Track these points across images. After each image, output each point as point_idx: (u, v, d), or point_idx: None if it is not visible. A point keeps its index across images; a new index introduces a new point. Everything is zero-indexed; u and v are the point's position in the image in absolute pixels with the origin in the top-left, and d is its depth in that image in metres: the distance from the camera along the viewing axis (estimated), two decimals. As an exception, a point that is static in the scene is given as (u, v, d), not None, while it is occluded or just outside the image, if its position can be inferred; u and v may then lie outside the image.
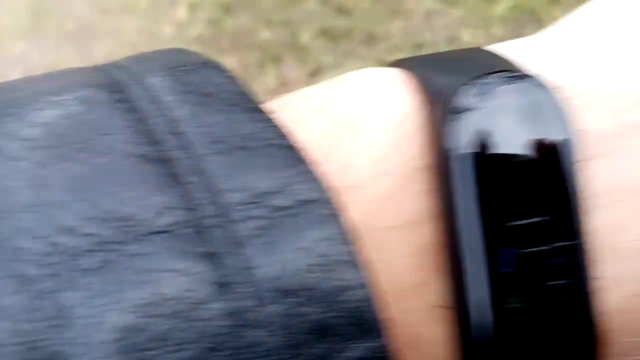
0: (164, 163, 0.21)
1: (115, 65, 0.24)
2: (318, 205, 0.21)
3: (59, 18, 2.01)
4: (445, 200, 0.22)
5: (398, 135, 0.23)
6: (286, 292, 0.20)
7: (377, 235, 0.22)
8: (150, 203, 0.20)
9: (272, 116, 0.23)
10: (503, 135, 0.22)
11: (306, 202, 0.21)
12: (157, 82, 0.22)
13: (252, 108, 0.22)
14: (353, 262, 0.20)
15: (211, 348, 0.19)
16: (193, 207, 0.20)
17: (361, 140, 0.23)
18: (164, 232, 0.20)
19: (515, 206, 0.22)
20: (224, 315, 0.20)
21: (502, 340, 0.22)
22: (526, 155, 0.22)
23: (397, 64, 0.25)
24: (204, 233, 0.20)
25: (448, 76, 0.23)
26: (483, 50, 0.25)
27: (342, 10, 1.95)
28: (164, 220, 0.20)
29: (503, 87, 0.22)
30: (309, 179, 0.21)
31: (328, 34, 1.93)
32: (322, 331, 0.20)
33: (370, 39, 1.90)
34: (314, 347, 0.20)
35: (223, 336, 0.19)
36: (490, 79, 0.23)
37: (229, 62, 1.81)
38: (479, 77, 0.23)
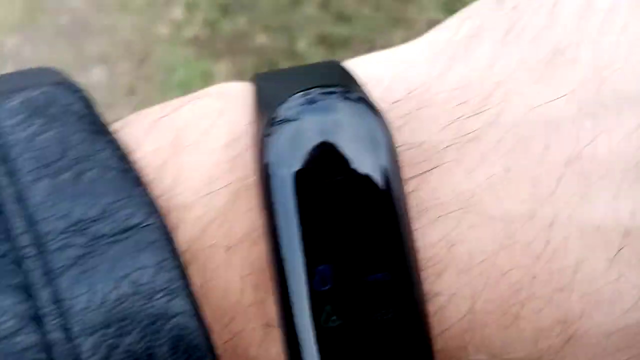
0: None
1: None
2: (143, 230, 0.20)
3: (54, 13, 2.01)
4: (268, 217, 0.21)
5: (230, 152, 0.23)
6: (96, 324, 0.20)
7: (208, 256, 0.22)
8: None
9: (112, 137, 0.22)
10: (319, 152, 0.21)
11: (130, 228, 0.20)
12: (1, 106, 0.22)
13: (93, 131, 0.22)
14: (176, 288, 0.20)
15: None
16: (11, 237, 0.20)
17: (193, 158, 0.23)
18: None
19: (334, 222, 0.21)
20: (34, 348, 0.19)
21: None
22: (340, 174, 0.21)
23: (253, 77, 0.25)
24: (18, 265, 0.20)
25: (280, 90, 0.23)
26: (334, 63, 0.24)
27: (342, 17, 1.93)
28: None
29: (320, 102, 0.22)
30: (137, 203, 0.21)
31: (326, 42, 1.91)
32: None
33: (370, 48, 1.88)
34: None
35: None
36: (313, 93, 0.22)
37: (224, 66, 1.80)
38: (301, 91, 0.22)
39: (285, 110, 0.22)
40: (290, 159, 0.21)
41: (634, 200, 0.22)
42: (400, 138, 0.22)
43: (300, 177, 0.21)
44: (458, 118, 0.22)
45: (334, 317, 0.21)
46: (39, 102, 0.22)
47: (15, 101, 0.22)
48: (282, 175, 0.21)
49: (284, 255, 0.21)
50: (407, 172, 0.22)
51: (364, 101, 0.22)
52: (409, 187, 0.22)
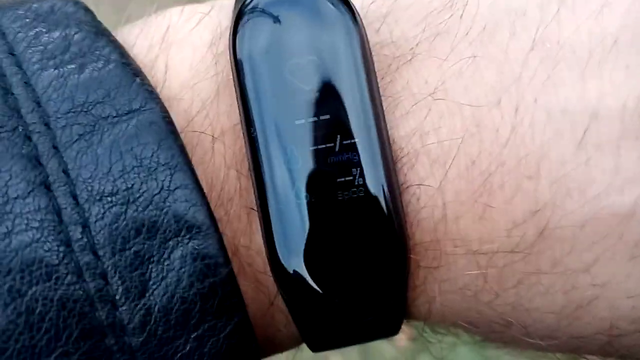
0: None
1: None
2: (144, 113, 0.22)
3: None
4: (241, 105, 0.23)
5: (214, 50, 0.24)
6: (102, 192, 0.21)
7: (196, 144, 0.23)
8: None
9: (112, 37, 0.24)
10: (286, 40, 0.23)
11: (132, 111, 0.22)
12: (4, 14, 0.24)
13: (93, 31, 0.24)
14: (177, 163, 0.21)
15: (27, 241, 0.20)
16: (18, 115, 0.21)
17: (180, 54, 0.24)
18: None
19: (304, 106, 0.22)
20: (41, 210, 0.20)
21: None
22: (310, 58, 0.22)
23: None
24: (28, 138, 0.21)
25: None
26: None
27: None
28: None
29: None
30: (137, 90, 0.22)
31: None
32: (148, 230, 0.21)
33: None
34: (141, 244, 0.21)
35: (39, 230, 0.20)
36: None
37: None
38: None
39: (252, 1, 0.23)
40: (257, 50, 0.23)
41: (601, 81, 0.22)
42: (378, 37, 0.24)
43: (269, 65, 0.23)
44: (430, 13, 0.24)
45: (305, 194, 0.22)
46: (42, 10, 0.24)
47: (21, 10, 0.24)
48: (250, 65, 0.23)
49: (255, 136, 0.22)
50: (383, 68, 0.23)
51: None
52: (384, 81, 0.23)
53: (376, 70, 0.23)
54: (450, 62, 0.23)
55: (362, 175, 0.22)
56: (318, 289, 0.22)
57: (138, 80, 0.23)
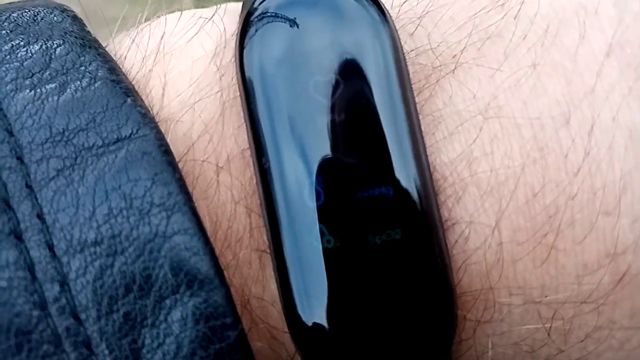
0: None
1: None
2: (136, 141, 0.18)
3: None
4: (252, 132, 0.19)
5: (217, 61, 0.20)
6: (84, 241, 0.17)
7: (198, 174, 0.19)
8: None
9: (101, 50, 0.20)
10: (302, 56, 0.19)
11: (121, 139, 0.18)
12: None
13: (79, 44, 0.20)
14: (175, 203, 0.18)
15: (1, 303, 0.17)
16: None
17: (179, 66, 0.20)
18: None
19: (325, 131, 0.18)
20: (9, 266, 0.17)
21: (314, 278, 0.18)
22: (333, 76, 0.18)
23: None
24: None
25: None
26: None
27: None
28: None
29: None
30: (128, 113, 0.19)
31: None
32: (141, 285, 0.17)
33: None
34: (131, 305, 0.17)
35: (6, 291, 0.17)
36: None
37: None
38: None
39: (262, 3, 0.19)
40: (269, 64, 0.19)
41: None
42: (413, 43, 0.20)
43: (284, 82, 0.19)
44: (477, 13, 0.20)
45: (329, 237, 0.18)
46: (23, 20, 0.21)
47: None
48: (261, 83, 0.19)
49: (268, 167, 0.19)
50: (420, 79, 0.19)
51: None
52: (422, 96, 0.19)
53: (412, 83, 0.19)
54: (505, 72, 0.19)
55: (397, 213, 0.18)
56: (343, 349, 0.18)
57: (129, 100, 0.19)
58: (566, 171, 0.18)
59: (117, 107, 0.19)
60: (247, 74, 0.19)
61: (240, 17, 0.20)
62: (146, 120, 0.19)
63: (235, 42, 0.19)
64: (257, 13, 0.19)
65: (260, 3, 0.19)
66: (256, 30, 0.19)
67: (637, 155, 0.18)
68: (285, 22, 0.19)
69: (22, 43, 0.20)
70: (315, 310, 0.18)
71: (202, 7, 0.23)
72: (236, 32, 0.20)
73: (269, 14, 0.19)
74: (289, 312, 0.19)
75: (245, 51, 0.19)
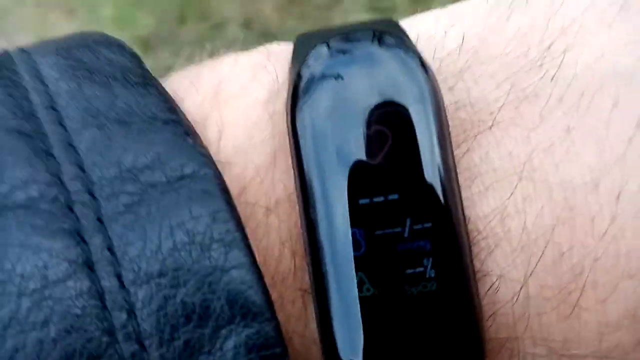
0: (35, 137, 0.20)
1: (17, 48, 0.23)
2: (197, 180, 0.20)
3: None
4: (299, 178, 0.20)
5: (270, 108, 0.22)
6: (150, 273, 0.19)
7: (248, 216, 0.21)
8: (11, 176, 0.19)
9: (161, 88, 0.22)
10: (351, 103, 0.20)
11: (184, 178, 0.20)
12: (44, 59, 0.22)
13: (140, 83, 0.21)
14: (233, 240, 0.19)
15: (67, 329, 0.18)
16: (59, 183, 0.19)
17: (234, 112, 0.22)
18: (22, 206, 0.19)
19: (369, 183, 0.20)
20: (83, 295, 0.18)
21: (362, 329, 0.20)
22: (378, 128, 0.20)
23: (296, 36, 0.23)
24: (70, 209, 0.19)
25: (315, 40, 0.21)
26: (388, 19, 0.23)
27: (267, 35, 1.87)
28: (22, 195, 0.19)
29: (353, 49, 0.20)
30: (189, 153, 0.20)
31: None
32: (200, 315, 0.19)
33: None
34: (191, 333, 0.19)
35: (80, 318, 0.18)
36: (344, 40, 0.20)
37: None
38: (332, 37, 0.21)
39: (314, 60, 0.20)
40: (317, 117, 0.20)
41: None
42: (453, 97, 0.21)
43: (331, 135, 0.20)
44: (516, 72, 0.21)
45: (368, 286, 0.19)
46: (85, 57, 0.22)
47: (62, 55, 0.22)
48: (309, 135, 0.20)
49: (315, 217, 0.20)
50: (458, 134, 0.20)
51: (404, 46, 0.20)
52: (460, 150, 0.20)
53: (451, 136, 0.20)
54: (540, 133, 0.20)
55: (434, 266, 0.19)
56: None
57: (190, 140, 0.20)
58: (592, 235, 0.19)
59: (180, 147, 0.20)
60: (297, 122, 0.20)
61: (291, 69, 0.21)
62: (206, 160, 0.20)
63: (288, 93, 0.21)
64: (309, 67, 0.21)
65: (313, 58, 0.21)
66: (306, 83, 0.20)
67: None
68: (333, 79, 0.20)
69: (87, 81, 0.21)
70: (352, 350, 0.20)
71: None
72: (288, 82, 0.21)
73: (319, 69, 0.20)
74: (327, 350, 0.20)
75: (296, 101, 0.20)
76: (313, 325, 0.20)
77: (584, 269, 0.19)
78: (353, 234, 0.20)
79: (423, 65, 0.20)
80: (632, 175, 0.19)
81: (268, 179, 0.21)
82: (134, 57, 0.22)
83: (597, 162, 0.19)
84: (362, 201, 0.20)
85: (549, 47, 0.21)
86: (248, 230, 0.20)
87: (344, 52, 0.20)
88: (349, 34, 0.21)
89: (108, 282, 0.18)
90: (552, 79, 0.20)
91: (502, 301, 0.20)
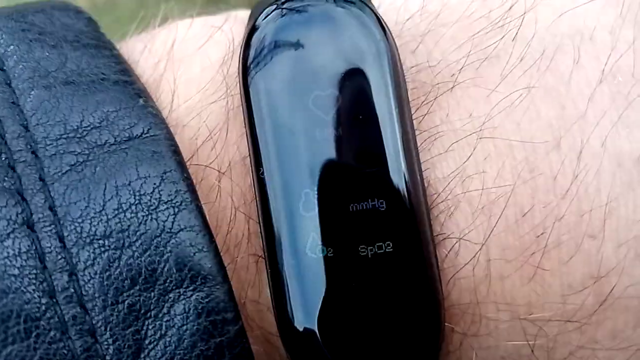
0: None
1: None
2: (147, 141, 0.19)
3: None
4: (251, 141, 0.19)
5: (224, 70, 0.21)
6: (93, 234, 0.18)
7: (201, 178, 0.20)
8: None
9: (114, 52, 0.21)
10: (300, 67, 0.19)
11: (132, 138, 0.19)
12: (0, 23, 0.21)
13: (92, 45, 0.21)
14: (182, 201, 0.18)
15: (3, 290, 0.17)
16: (1, 141, 0.18)
17: (188, 73, 0.21)
18: None
19: (319, 143, 0.19)
20: (22, 255, 0.17)
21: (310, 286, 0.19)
22: (331, 87, 0.19)
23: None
24: (11, 168, 0.18)
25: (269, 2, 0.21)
26: None
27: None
28: None
29: (307, 7, 0.20)
30: (139, 114, 0.19)
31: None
32: (146, 278, 0.18)
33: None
34: (136, 296, 0.18)
35: (18, 278, 0.17)
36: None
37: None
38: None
39: (266, 20, 0.20)
40: (270, 76, 0.19)
41: None
42: (415, 60, 0.20)
43: (283, 94, 0.19)
44: (476, 33, 0.20)
45: (321, 247, 0.19)
46: (39, 21, 0.21)
47: (16, 20, 0.21)
48: (262, 94, 0.19)
49: (266, 178, 0.19)
50: (419, 96, 0.20)
51: (360, 4, 0.20)
52: (420, 112, 0.20)
53: (410, 99, 0.20)
54: (500, 93, 0.20)
55: (389, 226, 0.19)
56: (332, 355, 0.19)
57: (141, 101, 0.20)
58: (555, 193, 0.19)
59: (130, 107, 0.19)
60: (249, 85, 0.20)
61: (245, 29, 0.21)
62: (157, 121, 0.19)
63: (240, 51, 0.20)
64: (262, 24, 0.20)
65: (264, 19, 0.20)
66: (260, 41, 0.20)
67: (623, 181, 0.19)
68: (286, 39, 0.20)
69: (39, 44, 0.20)
70: (306, 316, 0.19)
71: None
72: (242, 41, 0.20)
73: (273, 26, 0.20)
74: (280, 316, 0.19)
75: (248, 60, 0.20)
76: (267, 292, 0.20)
77: (546, 229, 0.19)
78: (305, 194, 0.19)
79: (381, 25, 0.20)
80: (594, 132, 0.19)
81: (221, 141, 0.20)
82: (90, 21, 0.22)
83: (558, 120, 0.19)
84: (315, 162, 0.19)
85: (509, 9, 0.20)
86: (200, 194, 0.19)
87: (296, 10, 0.20)
88: None
89: (49, 243, 0.18)
90: (512, 39, 0.20)
91: (463, 264, 0.19)
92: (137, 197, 0.18)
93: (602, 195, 0.19)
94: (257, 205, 0.19)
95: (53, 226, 0.18)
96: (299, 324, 0.19)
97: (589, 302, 0.19)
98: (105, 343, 0.18)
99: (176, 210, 0.18)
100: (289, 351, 0.19)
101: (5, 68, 0.20)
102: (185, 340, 0.18)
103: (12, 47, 0.20)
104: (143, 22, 0.23)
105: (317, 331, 0.19)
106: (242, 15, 0.22)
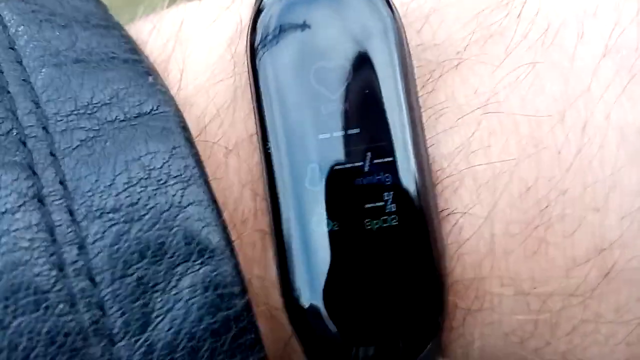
0: None
1: None
2: (156, 117, 0.19)
3: None
4: (258, 116, 0.20)
5: (233, 48, 0.21)
6: (103, 207, 0.18)
7: (209, 155, 0.20)
8: None
9: (123, 32, 0.21)
10: (308, 43, 0.19)
11: (142, 115, 0.19)
12: (6, 4, 0.21)
13: (101, 25, 0.21)
14: (191, 176, 0.19)
15: (14, 262, 0.17)
16: (13, 117, 0.19)
17: (196, 52, 0.21)
18: None
19: (329, 119, 0.19)
20: (32, 227, 0.18)
21: (317, 263, 0.19)
22: (339, 63, 0.19)
23: None
24: (23, 143, 0.19)
25: None
26: None
27: None
28: None
29: None
30: (148, 91, 0.19)
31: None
32: (154, 252, 0.18)
33: None
34: (145, 270, 0.18)
35: (28, 251, 0.17)
36: None
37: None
38: None
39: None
40: (276, 52, 0.20)
41: None
42: (420, 39, 0.21)
43: (290, 69, 0.19)
44: (481, 12, 0.20)
45: (327, 221, 0.19)
46: (47, 3, 0.22)
47: (23, 1, 0.21)
48: (268, 69, 0.20)
49: (272, 152, 0.19)
50: (425, 74, 0.20)
51: None
52: (425, 90, 0.20)
53: (416, 77, 0.20)
54: (505, 69, 0.20)
55: (395, 200, 0.19)
56: (337, 332, 0.19)
57: (150, 79, 0.20)
58: (559, 167, 0.19)
59: (139, 85, 0.20)
60: (257, 65, 0.20)
61: (253, 6, 0.21)
62: (166, 98, 0.20)
63: (247, 29, 0.20)
64: (266, 9, 0.20)
65: None
66: (266, 18, 0.20)
67: (627, 154, 0.19)
68: (292, 19, 0.20)
69: (49, 24, 0.21)
70: (312, 291, 0.19)
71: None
72: (249, 19, 0.21)
73: (280, 4, 0.20)
74: (285, 292, 0.19)
75: (255, 37, 0.20)
76: (273, 269, 0.20)
77: (550, 202, 0.19)
78: (311, 169, 0.19)
79: (388, 3, 0.20)
80: (597, 106, 0.19)
81: (228, 118, 0.20)
82: (99, 3, 0.22)
83: (562, 95, 0.19)
84: (321, 136, 0.19)
85: None
86: (208, 171, 0.19)
87: None
88: None
89: (59, 216, 0.18)
90: (517, 16, 0.20)
91: (467, 239, 0.19)
92: (146, 172, 0.18)
93: (605, 168, 0.19)
94: (263, 181, 0.20)
95: (63, 200, 0.18)
96: (304, 298, 0.19)
97: (593, 275, 0.19)
98: (113, 316, 0.18)
99: (185, 185, 0.19)
100: (294, 326, 0.20)
101: (16, 47, 0.20)
102: (193, 314, 0.18)
103: (22, 27, 0.21)
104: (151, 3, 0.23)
105: (322, 305, 0.19)
106: None
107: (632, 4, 0.20)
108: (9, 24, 0.21)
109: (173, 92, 0.20)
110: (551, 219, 0.19)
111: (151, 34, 0.22)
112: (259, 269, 0.20)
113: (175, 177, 0.19)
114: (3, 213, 0.17)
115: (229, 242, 0.19)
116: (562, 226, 0.19)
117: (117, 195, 0.18)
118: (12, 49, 0.20)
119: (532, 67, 0.20)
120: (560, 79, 0.19)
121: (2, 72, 0.19)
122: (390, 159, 0.19)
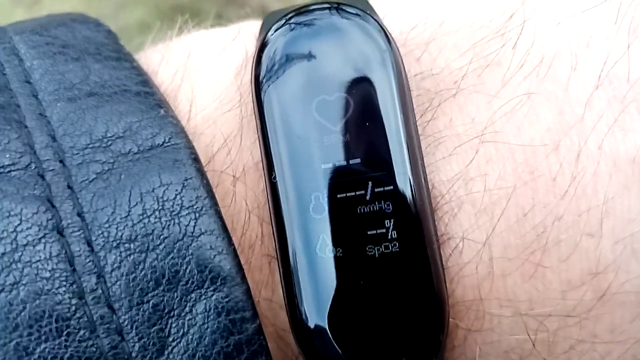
0: (8, 108, 0.20)
1: None
2: (168, 149, 0.20)
3: None
4: (263, 148, 0.21)
5: (239, 79, 0.22)
6: (119, 238, 0.19)
7: (217, 183, 0.21)
8: None
9: (134, 64, 0.22)
10: (309, 74, 0.20)
11: (155, 147, 0.20)
12: (21, 37, 0.22)
13: (114, 57, 0.22)
14: (202, 207, 0.19)
15: (36, 292, 0.18)
16: (31, 151, 0.20)
17: (204, 83, 0.22)
18: None
19: (331, 149, 0.20)
20: (52, 259, 0.19)
21: (321, 287, 0.20)
22: (340, 95, 0.20)
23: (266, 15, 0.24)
24: (41, 177, 0.19)
25: (280, 15, 0.22)
26: None
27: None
28: None
29: (315, 20, 0.21)
30: (160, 123, 0.20)
31: None
32: (169, 279, 0.19)
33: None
34: (160, 297, 0.19)
35: (50, 281, 0.18)
36: (307, 12, 0.21)
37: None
38: (295, 11, 0.21)
39: (276, 34, 0.21)
40: (280, 85, 0.20)
41: None
42: (419, 68, 0.21)
43: (293, 102, 0.20)
44: (478, 41, 0.21)
45: (331, 247, 0.20)
46: (62, 35, 0.22)
47: (40, 34, 0.22)
48: (273, 102, 0.20)
49: (277, 182, 0.20)
50: (423, 102, 0.21)
51: (364, 15, 0.21)
52: (424, 118, 0.21)
53: (415, 105, 0.21)
54: (502, 99, 0.20)
55: (396, 227, 0.20)
56: (342, 353, 0.20)
57: (162, 112, 0.21)
58: (554, 194, 0.20)
59: (151, 118, 0.20)
60: (262, 96, 0.21)
61: (258, 39, 0.22)
62: (177, 130, 0.20)
63: (252, 62, 0.21)
64: (273, 37, 0.21)
65: (274, 33, 0.21)
66: (270, 52, 0.21)
67: (619, 182, 0.19)
68: (295, 52, 0.21)
69: (62, 57, 0.21)
70: (317, 314, 0.20)
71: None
72: (254, 53, 0.22)
73: (283, 39, 0.21)
74: (292, 314, 0.20)
75: (260, 71, 0.21)
76: (280, 291, 0.21)
77: (546, 228, 0.20)
78: (315, 198, 0.20)
79: (385, 34, 0.21)
80: (591, 135, 0.20)
81: (235, 147, 0.21)
82: (110, 33, 0.23)
83: (556, 124, 0.20)
84: (324, 166, 0.20)
85: (510, 18, 0.21)
86: (220, 197, 0.20)
87: (303, 24, 0.21)
88: (309, 7, 0.21)
89: (78, 247, 0.19)
90: (513, 47, 0.21)
91: (466, 262, 0.20)
92: (160, 203, 0.19)
93: (599, 195, 0.19)
94: (269, 209, 0.21)
95: (81, 231, 0.19)
96: (311, 321, 0.20)
97: (588, 297, 0.20)
98: (132, 341, 0.19)
99: (197, 215, 0.19)
100: (301, 347, 0.20)
101: (31, 81, 0.21)
102: (207, 338, 0.19)
103: (37, 60, 0.21)
104: (159, 32, 0.24)
105: (327, 328, 0.20)
106: (254, 27, 0.23)
107: (623, 35, 0.20)
108: (24, 57, 0.21)
109: (183, 122, 0.21)
110: (547, 244, 0.20)
111: (160, 64, 0.23)
112: (267, 291, 0.21)
113: (187, 207, 0.19)
114: (25, 245, 0.18)
115: (239, 268, 0.19)
116: (558, 251, 0.20)
117: (132, 226, 0.19)
118: (28, 82, 0.21)
119: (527, 97, 0.20)
120: (555, 109, 0.20)
121: (20, 107, 0.20)
122: (390, 187, 0.20)
